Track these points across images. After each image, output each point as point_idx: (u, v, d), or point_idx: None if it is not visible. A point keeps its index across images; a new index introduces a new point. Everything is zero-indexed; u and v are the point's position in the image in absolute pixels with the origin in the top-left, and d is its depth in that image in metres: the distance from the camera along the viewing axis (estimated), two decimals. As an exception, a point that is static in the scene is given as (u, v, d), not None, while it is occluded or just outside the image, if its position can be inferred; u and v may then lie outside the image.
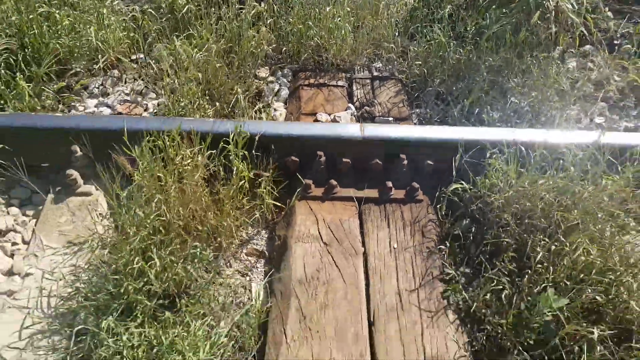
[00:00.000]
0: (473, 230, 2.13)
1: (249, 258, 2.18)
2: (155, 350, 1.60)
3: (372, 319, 1.88)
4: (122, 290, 1.71)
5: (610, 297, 1.75)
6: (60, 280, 1.93)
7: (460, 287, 1.95)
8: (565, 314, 1.68)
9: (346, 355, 1.76)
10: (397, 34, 2.97)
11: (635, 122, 2.78)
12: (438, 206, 2.19)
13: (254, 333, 1.83)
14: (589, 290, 1.73)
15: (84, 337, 1.73)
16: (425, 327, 1.86)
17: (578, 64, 3.03)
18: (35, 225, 2.14)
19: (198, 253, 1.84)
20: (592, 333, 1.63)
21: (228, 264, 2.12)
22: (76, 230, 2.09)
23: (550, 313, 1.66)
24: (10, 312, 1.87)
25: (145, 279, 1.74)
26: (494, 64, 2.58)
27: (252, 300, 1.96)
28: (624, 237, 1.88)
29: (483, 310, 1.89)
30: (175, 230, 1.85)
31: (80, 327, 1.69)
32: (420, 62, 2.78)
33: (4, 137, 2.11)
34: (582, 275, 1.80)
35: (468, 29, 2.72)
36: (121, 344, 1.60)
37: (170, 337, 1.62)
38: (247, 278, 2.10)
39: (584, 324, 1.69)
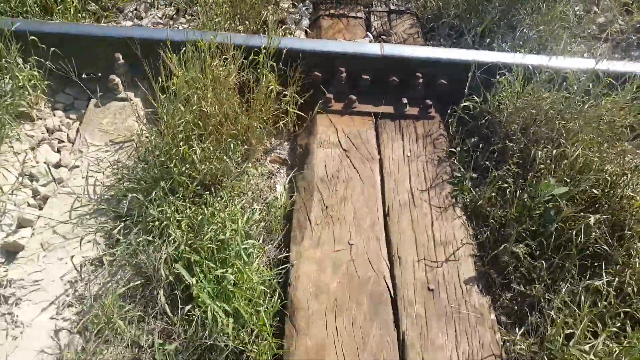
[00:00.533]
0: (481, 144, 2.30)
1: (273, 164, 2.36)
2: (199, 219, 1.79)
3: (386, 211, 2.06)
4: (167, 171, 1.89)
5: (606, 191, 1.92)
6: (106, 169, 2.11)
7: (468, 187, 2.13)
8: (565, 203, 1.86)
9: (364, 238, 1.94)
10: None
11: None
12: (450, 120, 2.36)
13: (280, 221, 2.02)
14: (587, 186, 1.91)
15: (129, 218, 1.93)
16: (435, 219, 2.04)
17: (584, 7, 3.15)
18: (79, 125, 2.32)
19: (232, 146, 2.01)
20: (589, 218, 1.82)
21: (257, 168, 2.30)
22: (117, 131, 2.26)
23: (550, 199, 1.84)
24: (61, 197, 2.05)
25: (187, 165, 1.92)
26: (506, -1, 2.72)
27: (277, 195, 2.14)
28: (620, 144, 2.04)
29: (488, 209, 2.07)
30: (212, 125, 2.02)
31: (131, 196, 1.87)
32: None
33: (57, 43, 2.26)
34: (580, 176, 1.97)
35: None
36: (168, 215, 1.79)
37: (211, 210, 1.81)
38: (272, 180, 2.28)
39: (582, 213, 1.88)
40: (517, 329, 1.73)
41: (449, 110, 2.36)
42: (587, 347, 1.50)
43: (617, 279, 1.74)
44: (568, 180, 1.94)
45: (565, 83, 2.20)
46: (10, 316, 1.70)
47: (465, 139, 2.33)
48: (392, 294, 1.81)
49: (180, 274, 1.63)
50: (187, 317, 1.59)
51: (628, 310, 1.70)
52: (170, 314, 1.58)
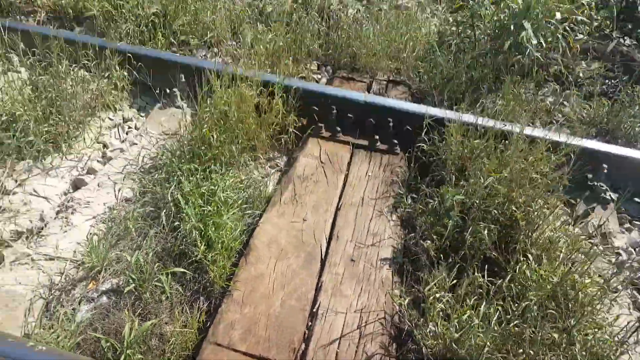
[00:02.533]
0: (429, 175, 2.85)
1: (271, 169, 3.05)
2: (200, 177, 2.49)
3: (339, 206, 2.64)
4: (191, 149, 2.64)
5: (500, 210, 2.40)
6: (153, 147, 2.91)
7: (407, 202, 2.67)
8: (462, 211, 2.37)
9: (316, 218, 2.53)
10: (414, 52, 3.87)
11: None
12: (409, 156, 2.95)
13: (262, 202, 2.67)
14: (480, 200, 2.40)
15: (158, 174, 2.66)
16: (374, 218, 2.58)
17: (555, 98, 3.71)
18: (145, 119, 3.18)
19: (239, 139, 2.75)
20: (480, 225, 2.31)
21: (257, 169, 3.00)
22: (170, 125, 3.09)
23: (451, 200, 2.36)
24: (120, 160, 2.84)
25: (205, 145, 2.66)
26: (478, 76, 3.37)
27: (268, 188, 2.80)
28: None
29: (417, 218, 2.60)
30: (231, 122, 2.77)
31: (165, 158, 2.62)
32: (426, 76, 3.64)
33: (144, 63, 3.21)
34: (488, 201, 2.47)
35: (466, 57, 3.56)
36: (192, 182, 2.51)
37: (215, 177, 2.50)
38: (267, 179, 2.95)
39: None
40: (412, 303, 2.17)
41: (410, 149, 2.96)
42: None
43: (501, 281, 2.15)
44: (479, 203, 2.45)
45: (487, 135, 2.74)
46: (67, 219, 2.44)
47: (418, 169, 2.90)
48: (323, 257, 2.35)
49: (180, 207, 2.31)
50: (176, 232, 2.25)
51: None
52: (165, 224, 2.25)
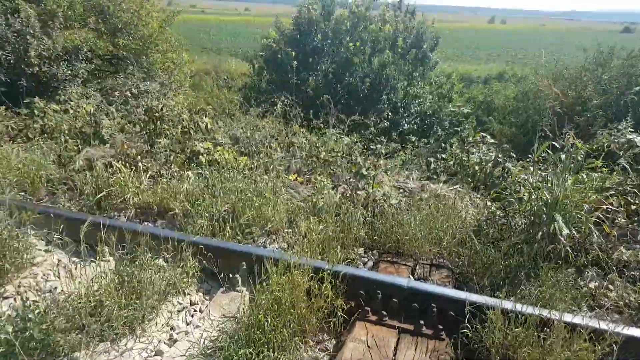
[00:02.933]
0: (475, 363, 2.97)
1: (320, 352, 3.27)
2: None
3: (386, 394, 2.76)
4: (247, 334, 2.98)
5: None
6: (215, 330, 3.27)
7: (453, 391, 2.75)
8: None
9: (363, 407, 2.65)
10: (454, 239, 4.27)
11: None
12: (452, 341, 3.10)
13: (311, 387, 2.85)
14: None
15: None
16: (421, 408, 2.66)
17: (598, 283, 3.84)
18: (209, 303, 3.62)
19: (292, 324, 3.07)
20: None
21: (307, 352, 3.24)
22: (230, 308, 3.49)
23: None
24: (184, 342, 3.21)
25: (260, 330, 3.00)
26: (515, 263, 3.65)
27: (315, 370, 3.00)
28: None
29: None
30: (284, 306, 3.13)
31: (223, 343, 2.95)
32: (466, 261, 3.97)
33: (212, 252, 3.80)
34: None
35: (503, 245, 3.91)
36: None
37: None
38: (317, 363, 3.16)
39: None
40: None
41: (455, 334, 3.14)
42: None
43: None
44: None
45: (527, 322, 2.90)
46: (132, 401, 2.72)
47: (464, 356, 3.02)
48: None
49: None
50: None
51: None
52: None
